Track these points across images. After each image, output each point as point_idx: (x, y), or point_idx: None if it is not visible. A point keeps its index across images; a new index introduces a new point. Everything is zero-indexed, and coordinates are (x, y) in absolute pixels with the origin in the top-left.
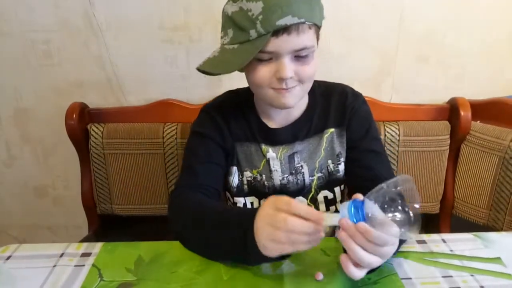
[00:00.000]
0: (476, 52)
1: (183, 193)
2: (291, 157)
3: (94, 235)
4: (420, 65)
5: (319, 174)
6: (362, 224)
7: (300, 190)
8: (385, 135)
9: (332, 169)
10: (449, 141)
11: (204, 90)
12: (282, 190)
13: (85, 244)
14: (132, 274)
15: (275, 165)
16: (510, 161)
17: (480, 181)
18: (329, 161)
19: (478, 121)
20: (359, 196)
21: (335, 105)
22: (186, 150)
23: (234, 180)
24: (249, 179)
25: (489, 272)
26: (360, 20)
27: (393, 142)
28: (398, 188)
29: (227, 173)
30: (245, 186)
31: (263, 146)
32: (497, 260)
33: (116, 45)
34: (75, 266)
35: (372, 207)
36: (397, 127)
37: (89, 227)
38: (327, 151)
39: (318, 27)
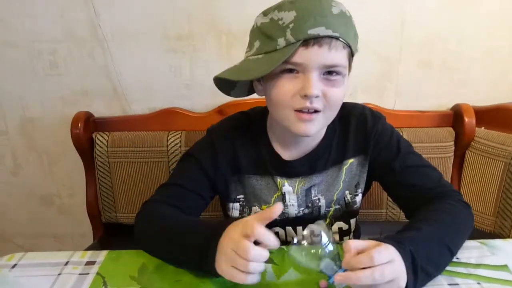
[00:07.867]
0: (479, 57)
1: (155, 204)
2: (308, 191)
3: (99, 244)
4: (423, 71)
5: (337, 206)
6: None
7: (314, 219)
8: None
9: (350, 200)
10: (453, 148)
11: (208, 99)
12: (296, 220)
13: (89, 252)
14: (136, 282)
15: (291, 200)
16: None
17: (486, 187)
18: (347, 192)
19: (483, 127)
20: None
21: (354, 132)
22: (177, 166)
23: (234, 215)
24: None
25: (495, 280)
26: (362, 27)
27: None
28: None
29: (225, 208)
30: None
31: (278, 179)
32: (504, 267)
33: (121, 55)
34: (80, 274)
35: None
36: (401, 133)
37: (94, 236)
38: (345, 183)
39: (351, 52)
